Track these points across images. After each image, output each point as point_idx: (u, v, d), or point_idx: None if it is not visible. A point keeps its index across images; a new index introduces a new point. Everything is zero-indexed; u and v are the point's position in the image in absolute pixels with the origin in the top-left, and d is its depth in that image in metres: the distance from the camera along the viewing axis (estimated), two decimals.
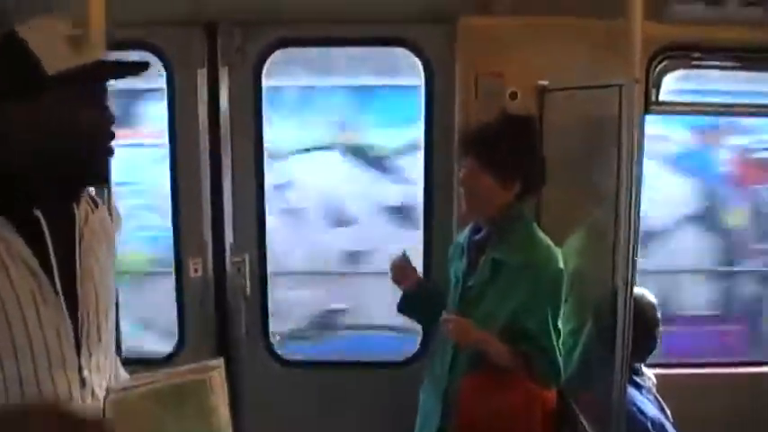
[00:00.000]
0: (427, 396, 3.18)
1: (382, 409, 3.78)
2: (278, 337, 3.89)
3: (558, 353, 2.89)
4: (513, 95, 3.32)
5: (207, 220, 3.69)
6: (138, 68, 1.73)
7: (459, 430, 2.94)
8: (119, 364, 2.02)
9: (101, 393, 1.72)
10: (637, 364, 3.19)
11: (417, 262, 3.65)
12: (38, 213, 1.62)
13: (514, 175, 2.90)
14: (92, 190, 1.90)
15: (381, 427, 3.79)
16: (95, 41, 2.36)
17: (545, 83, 3.29)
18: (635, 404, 3.04)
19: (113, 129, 1.70)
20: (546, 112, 3.34)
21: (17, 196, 1.61)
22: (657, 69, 3.35)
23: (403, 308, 3.26)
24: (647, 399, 3.16)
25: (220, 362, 1.76)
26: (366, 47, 3.81)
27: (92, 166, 1.69)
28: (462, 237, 3.14)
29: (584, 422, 2.90)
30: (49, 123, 1.60)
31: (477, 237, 3.02)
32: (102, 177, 1.75)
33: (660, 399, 3.23)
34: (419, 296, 3.20)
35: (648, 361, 3.33)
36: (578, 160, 3.30)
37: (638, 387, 3.11)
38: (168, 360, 3.68)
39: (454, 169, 3.32)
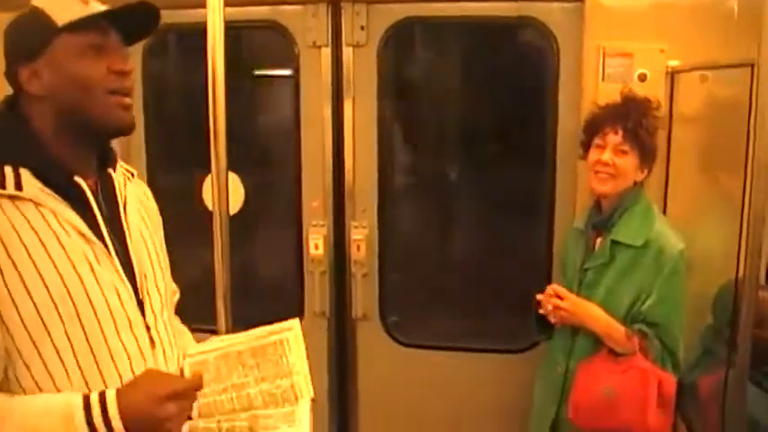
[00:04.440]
0: (544, 383, 3.23)
1: (498, 396, 3.77)
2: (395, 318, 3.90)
3: (678, 337, 2.89)
4: (642, 77, 3.16)
5: (329, 195, 3.75)
6: (149, 16, 1.75)
7: (573, 413, 2.96)
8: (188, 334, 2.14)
9: (171, 354, 1.82)
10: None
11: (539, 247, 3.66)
12: (79, 180, 1.68)
13: (651, 158, 2.96)
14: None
15: (497, 413, 3.77)
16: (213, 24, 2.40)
17: (675, 63, 3.11)
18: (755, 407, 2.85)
19: (125, 83, 1.71)
20: (676, 95, 3.21)
21: (55, 164, 1.67)
22: None
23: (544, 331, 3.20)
24: None
25: (296, 322, 1.83)
26: (492, 26, 3.69)
27: (103, 118, 1.68)
28: (580, 222, 3.16)
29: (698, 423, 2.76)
30: (60, 77, 1.65)
31: (597, 219, 3.04)
32: (117, 131, 1.73)
33: None
34: None
35: None
36: (709, 145, 3.26)
37: (762, 388, 2.90)
38: None
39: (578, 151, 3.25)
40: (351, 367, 3.90)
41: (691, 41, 3.17)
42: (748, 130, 2.32)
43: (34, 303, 1.56)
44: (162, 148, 3.92)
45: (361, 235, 3.73)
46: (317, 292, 3.80)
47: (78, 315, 1.60)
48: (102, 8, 1.68)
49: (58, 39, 1.64)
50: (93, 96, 1.65)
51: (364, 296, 3.80)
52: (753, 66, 2.28)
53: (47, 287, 1.57)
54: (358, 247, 3.73)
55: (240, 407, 1.74)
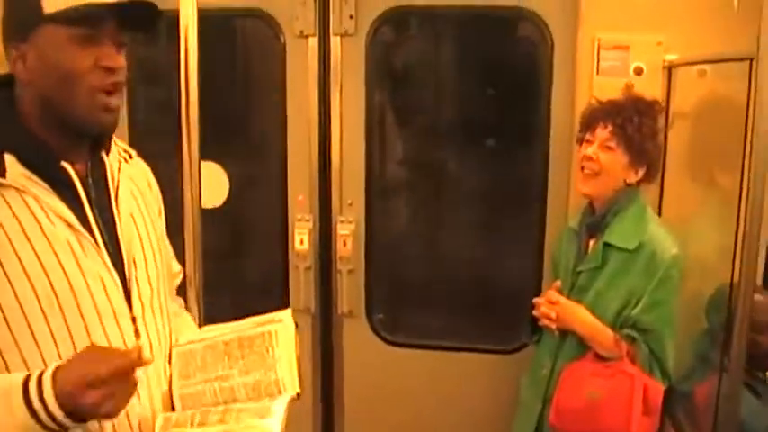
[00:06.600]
0: (529, 383, 3.16)
1: (485, 397, 3.71)
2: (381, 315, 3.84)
3: (667, 344, 2.79)
4: (639, 71, 3.06)
5: (315, 189, 3.68)
6: (149, 18, 1.62)
7: (555, 417, 2.88)
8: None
9: (158, 344, 1.75)
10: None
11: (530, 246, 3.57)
12: (66, 165, 1.61)
13: (644, 158, 2.84)
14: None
15: (483, 414, 3.71)
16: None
17: (673, 57, 2.99)
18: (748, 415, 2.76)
19: (112, 79, 1.58)
20: (673, 90, 3.11)
21: (41, 149, 1.60)
22: None
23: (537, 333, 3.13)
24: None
25: (287, 313, 1.77)
26: (484, 16, 3.59)
27: (83, 119, 1.59)
28: (574, 222, 3.07)
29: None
30: (43, 66, 1.55)
31: (590, 220, 2.95)
32: (96, 133, 1.65)
33: None
34: None
35: None
36: (708, 143, 3.17)
37: (757, 395, 2.81)
38: None
39: (572, 148, 3.19)
40: (336, 364, 3.84)
41: (689, 34, 3.06)
42: (746, 128, 2.22)
43: (15, 293, 1.50)
44: (146, 135, 3.81)
45: (348, 230, 3.65)
46: (302, 287, 3.72)
47: (60, 306, 1.54)
48: None
49: (43, 25, 1.53)
50: (76, 93, 1.55)
51: (350, 292, 3.72)
52: (752, 60, 2.16)
53: (28, 277, 1.51)
54: (344, 243, 3.66)
55: (222, 399, 1.69)
